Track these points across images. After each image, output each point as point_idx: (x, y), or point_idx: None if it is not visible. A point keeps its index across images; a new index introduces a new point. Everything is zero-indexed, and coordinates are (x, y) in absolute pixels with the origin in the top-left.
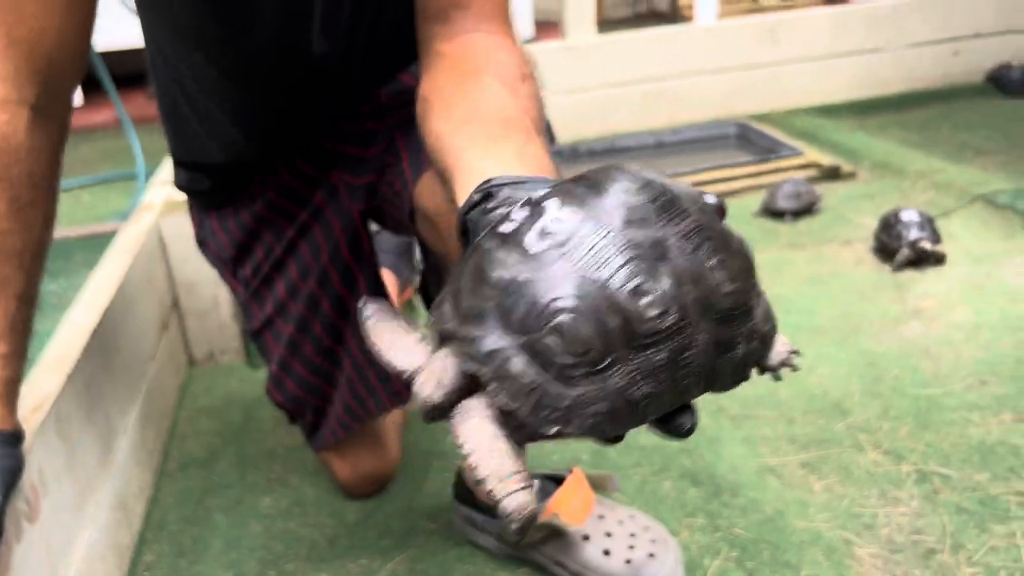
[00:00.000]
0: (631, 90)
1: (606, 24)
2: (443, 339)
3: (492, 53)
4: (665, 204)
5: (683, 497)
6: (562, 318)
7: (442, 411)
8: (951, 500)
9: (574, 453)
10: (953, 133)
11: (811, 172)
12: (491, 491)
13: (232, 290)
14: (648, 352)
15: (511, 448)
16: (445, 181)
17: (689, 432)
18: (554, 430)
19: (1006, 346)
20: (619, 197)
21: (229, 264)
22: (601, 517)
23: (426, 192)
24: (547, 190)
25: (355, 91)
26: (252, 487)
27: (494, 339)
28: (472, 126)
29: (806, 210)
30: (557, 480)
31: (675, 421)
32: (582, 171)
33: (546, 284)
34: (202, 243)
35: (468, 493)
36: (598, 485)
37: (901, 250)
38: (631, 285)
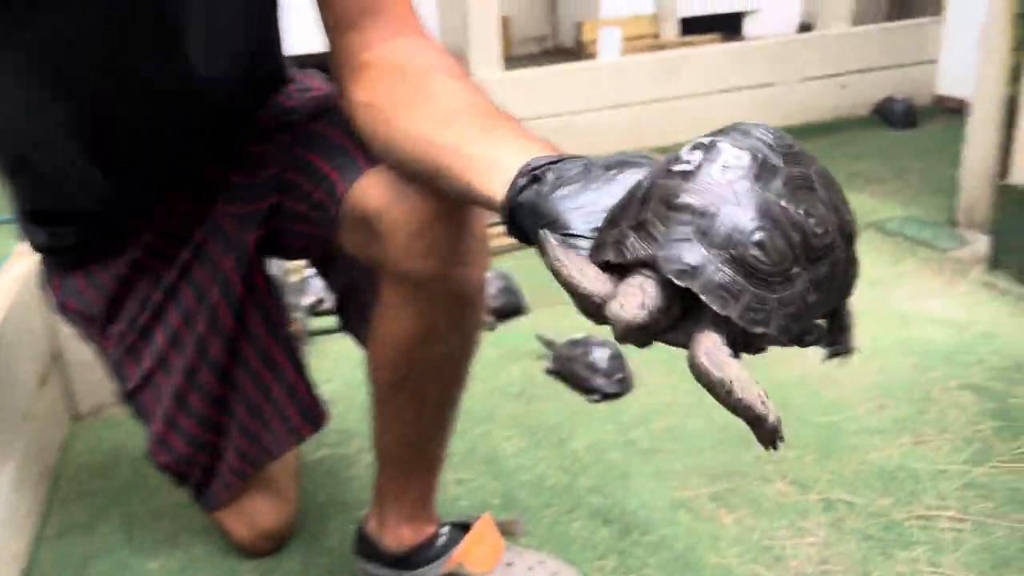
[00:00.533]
0: (538, 125)
1: (513, 60)
2: (635, 266)
3: (425, 54)
4: (798, 151)
5: (594, 537)
6: (761, 235)
7: (644, 332)
8: (857, 528)
9: (483, 498)
10: (845, 163)
11: None
12: (749, 403)
13: (101, 350)
14: (817, 264)
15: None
16: (437, 179)
17: (817, 342)
18: (760, 330)
19: (902, 369)
20: (768, 141)
21: (98, 321)
22: (510, 564)
23: (370, 191)
24: (712, 136)
25: (233, 116)
26: (139, 549)
27: (700, 255)
28: (457, 123)
29: None
30: (465, 527)
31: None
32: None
33: (739, 208)
34: (63, 307)
35: (370, 548)
36: (505, 531)
37: None
38: (803, 208)
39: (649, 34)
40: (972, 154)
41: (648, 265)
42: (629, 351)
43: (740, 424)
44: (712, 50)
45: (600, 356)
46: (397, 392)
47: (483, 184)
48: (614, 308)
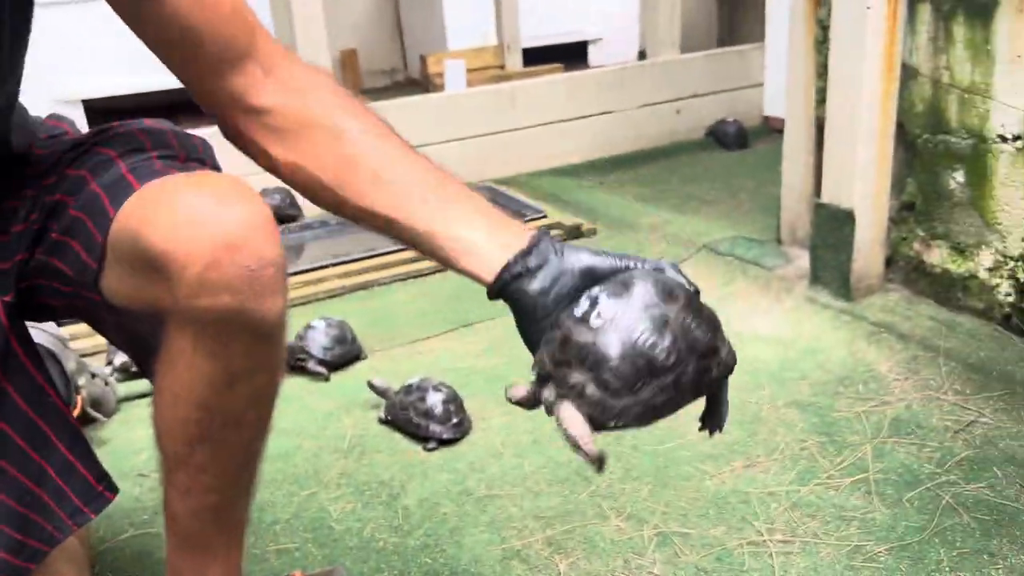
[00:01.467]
0: None
1: (364, 92)
2: (543, 377)
3: (315, 88)
4: (666, 292)
5: None
6: (614, 363)
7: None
8: (691, 561)
9: (306, 568)
10: (680, 186)
11: (556, 233)
12: (580, 445)
13: None
14: (662, 378)
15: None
16: (412, 248)
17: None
18: (612, 423)
19: (732, 392)
20: (639, 289)
21: None
22: None
23: (146, 225)
24: (599, 290)
25: None
26: None
27: (577, 376)
28: (407, 187)
29: None
30: None
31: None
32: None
33: (604, 345)
34: None
35: None
36: None
37: None
38: (649, 342)
39: (494, 65)
40: (789, 174)
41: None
42: (465, 393)
43: (576, 461)
44: (552, 80)
45: (435, 401)
46: (192, 453)
47: (469, 267)
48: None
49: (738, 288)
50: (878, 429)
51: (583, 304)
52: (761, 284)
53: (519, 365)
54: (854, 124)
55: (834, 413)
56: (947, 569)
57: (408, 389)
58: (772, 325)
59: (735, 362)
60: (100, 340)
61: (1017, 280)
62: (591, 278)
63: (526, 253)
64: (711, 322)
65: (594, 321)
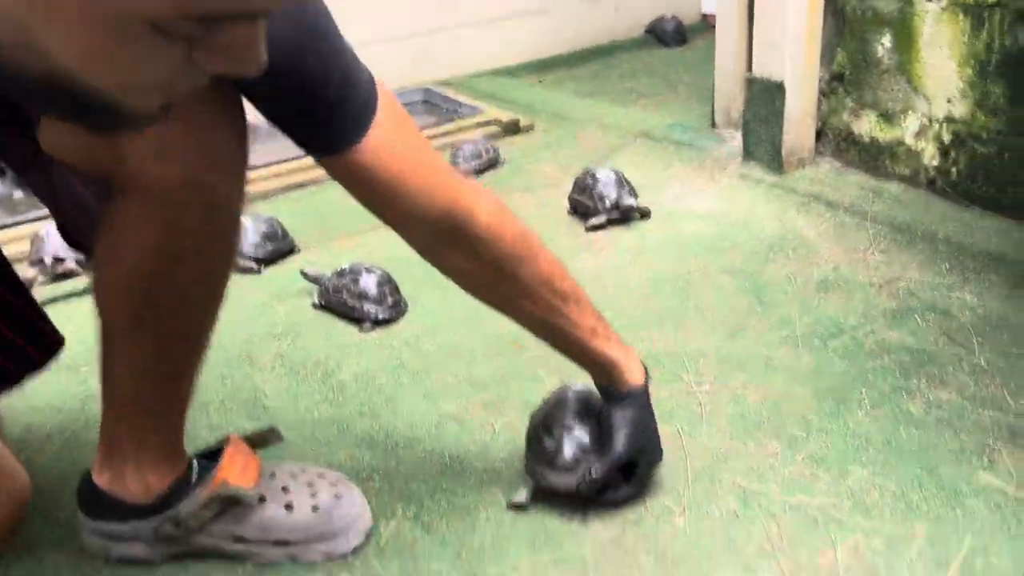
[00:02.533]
0: None
1: None
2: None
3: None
4: (574, 406)
5: (359, 461)
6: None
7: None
8: None
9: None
10: (619, 82)
11: (493, 129)
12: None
13: None
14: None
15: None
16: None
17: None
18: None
19: (667, 263)
20: (557, 407)
21: None
22: (272, 475)
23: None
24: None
25: None
26: None
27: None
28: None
29: (489, 167)
30: (216, 455)
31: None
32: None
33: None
34: None
35: (107, 504)
36: (261, 442)
37: (599, 214)
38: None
39: None
40: (722, 56)
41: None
42: (403, 279)
43: (513, 332)
44: None
45: (368, 283)
46: (139, 324)
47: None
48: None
49: (675, 171)
50: (805, 288)
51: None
52: (696, 165)
53: None
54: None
55: (764, 277)
56: (867, 406)
57: (341, 273)
58: (706, 202)
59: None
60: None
61: (942, 142)
62: None
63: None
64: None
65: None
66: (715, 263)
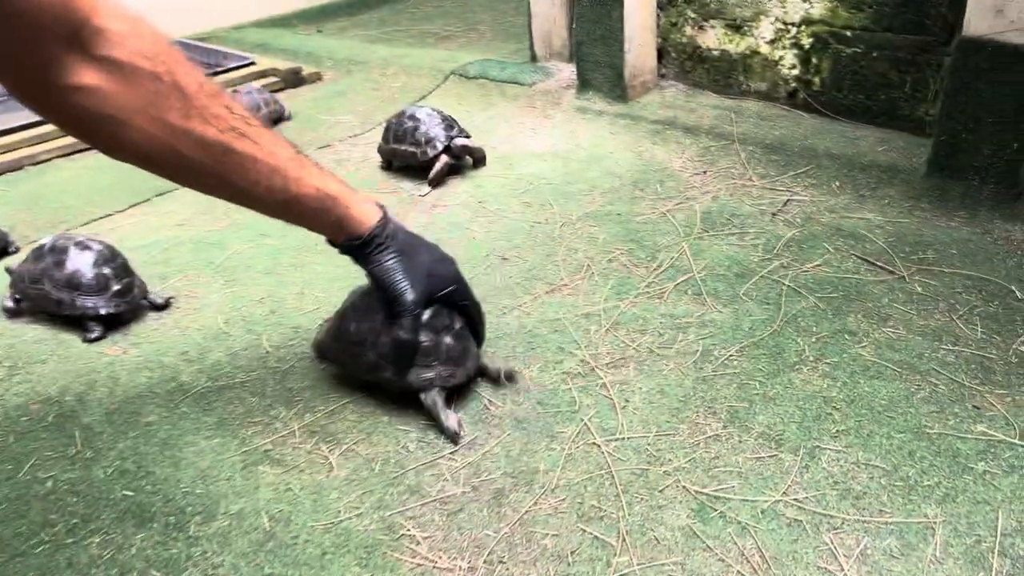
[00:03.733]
0: None
1: None
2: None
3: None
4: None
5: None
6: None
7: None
8: (505, 413)
9: None
10: (410, 25)
11: (271, 80)
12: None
13: None
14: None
15: None
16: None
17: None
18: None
19: (519, 215)
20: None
21: None
22: None
23: None
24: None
25: None
26: None
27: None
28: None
29: (273, 122)
30: None
31: None
32: None
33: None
34: None
35: None
36: None
37: (429, 159)
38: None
39: None
40: None
41: None
42: (173, 268)
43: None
44: None
45: (79, 263)
46: None
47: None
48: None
49: (500, 110)
50: (690, 226)
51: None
52: (523, 102)
53: (241, 229)
54: None
55: (637, 219)
56: (811, 359)
57: (39, 253)
58: (546, 141)
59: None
60: None
61: (801, 48)
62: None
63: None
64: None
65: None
66: (575, 209)
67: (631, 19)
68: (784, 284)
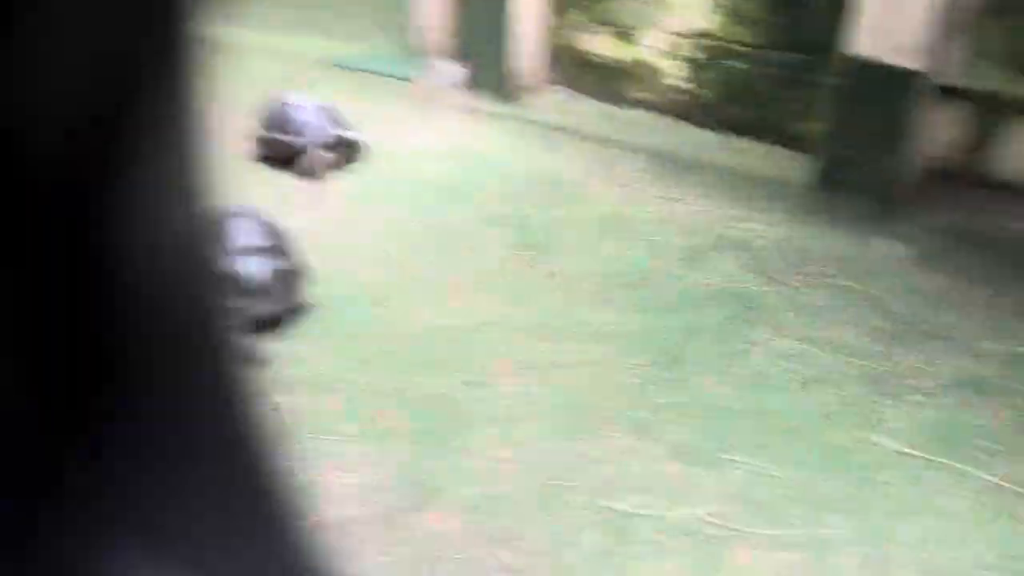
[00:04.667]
0: None
1: None
2: None
3: None
4: None
5: None
6: None
7: None
8: (391, 426)
9: None
10: (271, 11)
11: None
12: None
13: None
14: None
15: None
16: None
17: None
18: None
19: (409, 215)
20: None
21: None
22: None
23: None
24: None
25: None
26: None
27: None
28: None
29: None
30: None
31: None
32: None
33: None
34: None
35: None
36: None
37: (314, 150)
38: None
39: None
40: None
41: None
42: None
43: None
44: None
45: None
46: None
47: None
48: None
49: (382, 105)
50: (586, 232)
51: None
52: (406, 98)
53: None
54: None
55: (532, 222)
56: (713, 368)
57: None
58: (432, 139)
59: None
60: None
61: (691, 60)
62: None
63: None
64: None
65: None
66: (471, 211)
67: (522, 19)
68: (681, 291)
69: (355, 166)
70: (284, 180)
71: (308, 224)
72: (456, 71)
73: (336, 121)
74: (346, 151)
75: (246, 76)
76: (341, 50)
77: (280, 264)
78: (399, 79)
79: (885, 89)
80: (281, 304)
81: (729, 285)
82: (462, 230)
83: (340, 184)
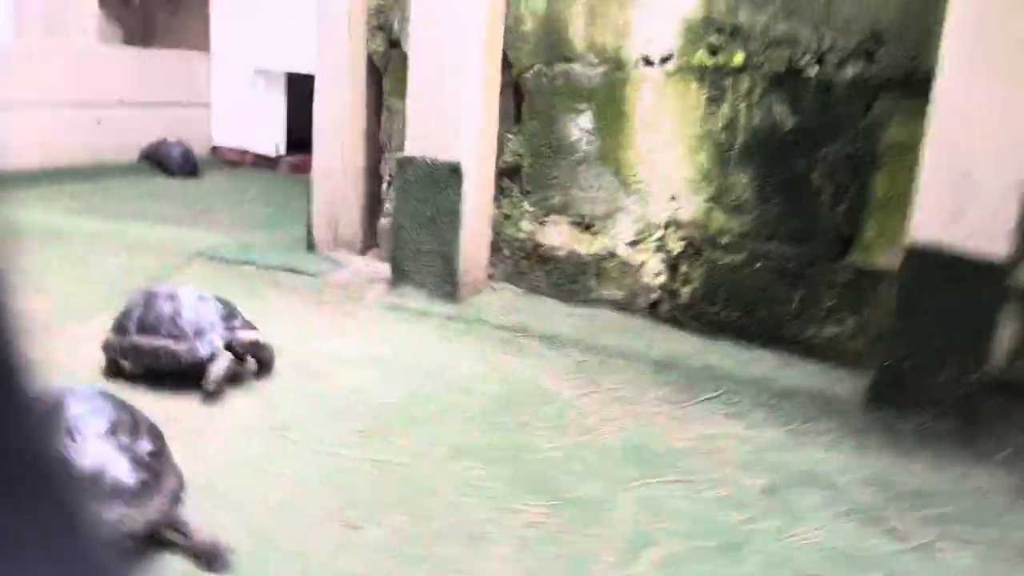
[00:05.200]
0: None
1: None
2: None
3: None
4: None
5: None
6: None
7: None
8: None
9: None
10: (131, 203)
11: None
12: None
13: None
14: None
15: None
16: None
17: None
18: None
19: (345, 452)
20: None
21: None
22: None
23: None
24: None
25: None
26: None
27: None
28: None
29: None
30: None
31: None
32: None
33: None
34: None
35: None
36: None
37: (217, 360)
38: None
39: None
40: (327, 156)
41: None
42: None
43: None
44: None
45: None
46: None
47: None
48: None
49: (278, 304)
50: (614, 470)
51: None
52: (311, 296)
53: None
54: (457, 63)
55: (532, 456)
56: None
57: None
58: (355, 345)
59: None
60: None
61: (668, 253)
62: None
63: None
64: None
65: None
66: (437, 440)
67: (468, 200)
68: (789, 558)
69: (256, 380)
70: (150, 401)
71: (198, 469)
72: (367, 266)
73: (236, 318)
74: (247, 359)
75: (87, 267)
76: (215, 241)
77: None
78: (298, 274)
79: (963, 283)
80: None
81: (842, 542)
82: (437, 468)
83: (239, 405)
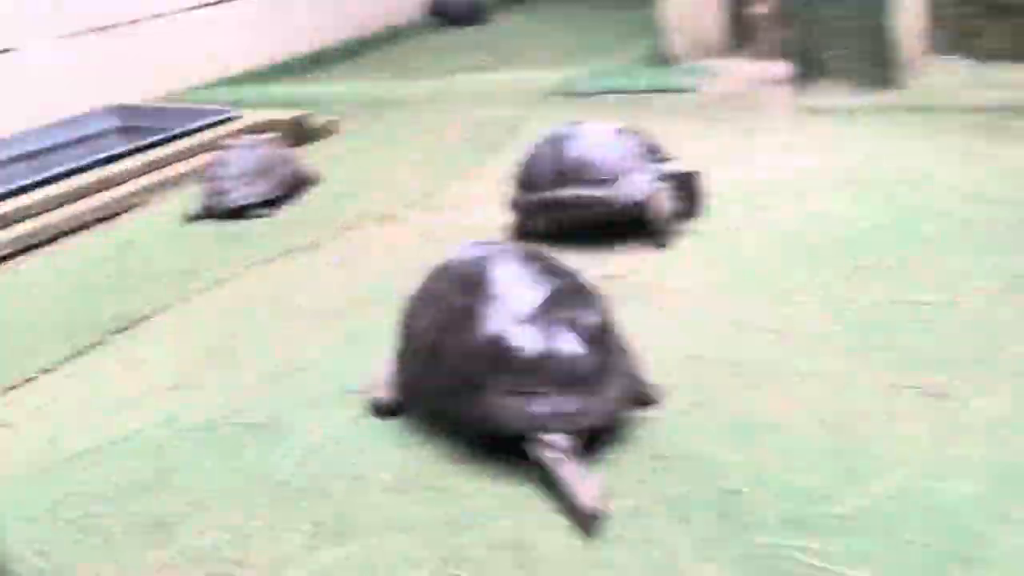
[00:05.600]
0: None
1: None
2: None
3: None
4: None
5: None
6: None
7: None
8: None
9: None
10: (437, 63)
11: (267, 137)
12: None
13: None
14: None
15: None
16: None
17: None
18: None
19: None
20: None
21: None
22: None
23: None
24: None
25: None
26: None
27: None
28: None
29: (294, 187)
30: None
31: None
32: None
33: None
34: None
35: None
36: None
37: (655, 199)
38: None
39: None
40: None
41: None
42: None
43: None
44: None
45: None
46: None
47: None
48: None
49: (670, 127)
50: None
51: None
52: (705, 113)
53: None
54: None
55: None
56: None
57: None
58: (794, 159)
59: None
60: None
61: None
62: None
63: None
64: None
65: None
66: (965, 266)
67: None
68: None
69: (692, 219)
70: (585, 262)
71: (661, 335)
72: (751, 69)
73: (657, 151)
74: (679, 194)
75: (433, 132)
76: (556, 76)
77: None
78: (672, 92)
79: None
80: None
81: None
82: (988, 305)
83: (691, 251)
